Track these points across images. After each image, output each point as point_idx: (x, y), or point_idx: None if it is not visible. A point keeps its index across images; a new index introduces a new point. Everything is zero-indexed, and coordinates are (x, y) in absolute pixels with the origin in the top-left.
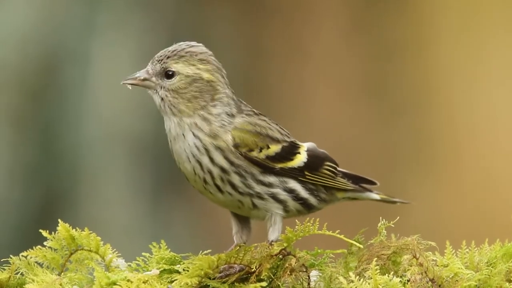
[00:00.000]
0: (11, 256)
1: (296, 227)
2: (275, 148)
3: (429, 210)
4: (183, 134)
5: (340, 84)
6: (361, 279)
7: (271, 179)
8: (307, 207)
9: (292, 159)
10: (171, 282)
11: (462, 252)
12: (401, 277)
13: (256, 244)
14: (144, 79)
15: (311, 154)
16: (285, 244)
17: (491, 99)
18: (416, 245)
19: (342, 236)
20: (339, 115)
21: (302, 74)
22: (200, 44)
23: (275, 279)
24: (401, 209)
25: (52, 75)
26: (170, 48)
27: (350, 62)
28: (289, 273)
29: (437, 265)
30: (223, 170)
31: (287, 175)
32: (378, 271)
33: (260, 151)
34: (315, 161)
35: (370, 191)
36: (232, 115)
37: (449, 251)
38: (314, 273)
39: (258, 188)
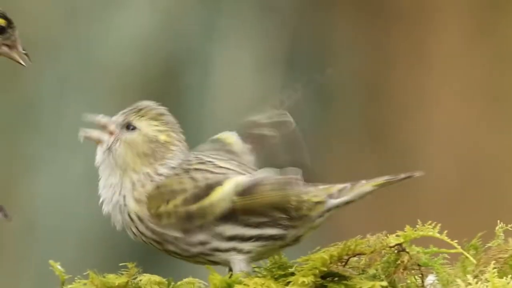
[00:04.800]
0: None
1: (417, 226)
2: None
3: None
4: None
5: (463, 89)
6: (478, 282)
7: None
8: (273, 240)
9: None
10: (287, 284)
11: None
12: None
13: (368, 236)
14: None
15: None
16: (402, 240)
17: None
18: None
19: (458, 247)
20: (462, 121)
21: (425, 79)
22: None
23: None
24: None
25: (173, 80)
26: (136, 105)
27: (474, 66)
28: (402, 271)
29: None
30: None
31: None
32: (496, 274)
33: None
34: None
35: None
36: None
37: None
38: (431, 278)
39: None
